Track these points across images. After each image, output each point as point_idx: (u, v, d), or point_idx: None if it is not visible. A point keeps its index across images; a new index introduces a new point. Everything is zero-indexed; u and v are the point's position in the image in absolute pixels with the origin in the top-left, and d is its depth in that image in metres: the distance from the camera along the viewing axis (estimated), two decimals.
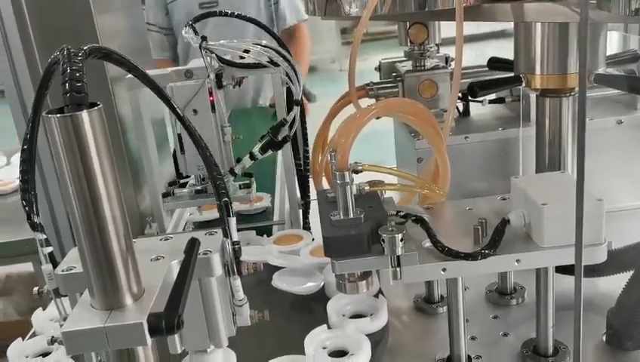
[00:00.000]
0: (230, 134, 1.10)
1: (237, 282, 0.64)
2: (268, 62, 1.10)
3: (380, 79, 1.40)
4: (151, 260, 0.61)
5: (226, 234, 0.63)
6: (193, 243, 0.57)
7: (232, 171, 1.13)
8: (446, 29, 1.19)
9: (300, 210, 1.27)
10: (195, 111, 1.05)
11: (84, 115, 0.48)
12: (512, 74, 1.07)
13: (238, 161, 1.13)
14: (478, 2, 1.03)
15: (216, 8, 2.47)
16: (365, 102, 1.23)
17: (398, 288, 1.05)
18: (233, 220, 0.63)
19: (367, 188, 0.84)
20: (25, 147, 0.61)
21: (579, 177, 0.54)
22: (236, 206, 1.21)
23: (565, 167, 1.09)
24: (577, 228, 0.56)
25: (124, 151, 1.25)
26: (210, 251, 0.62)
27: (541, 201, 0.77)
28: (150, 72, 1.19)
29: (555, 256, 0.78)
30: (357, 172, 0.90)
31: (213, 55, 1.04)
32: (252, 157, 1.10)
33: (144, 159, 1.18)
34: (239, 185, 1.14)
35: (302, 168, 1.24)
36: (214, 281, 0.63)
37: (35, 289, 0.65)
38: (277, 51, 1.10)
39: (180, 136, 1.05)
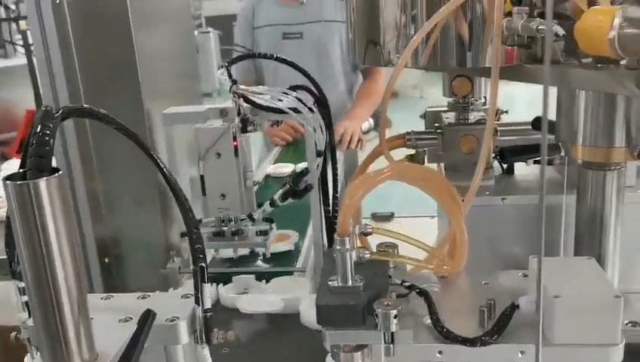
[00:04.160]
0: (252, 179, 1.10)
1: (205, 351, 0.63)
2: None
3: (425, 128, 1.35)
4: (119, 321, 0.60)
5: (198, 301, 0.62)
6: (147, 316, 0.56)
7: (250, 216, 1.12)
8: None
9: None
10: (218, 154, 1.05)
11: (42, 182, 0.48)
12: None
13: (260, 206, 1.12)
14: (520, 62, 0.97)
15: (300, 40, 2.51)
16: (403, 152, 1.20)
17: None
18: (207, 286, 0.62)
19: (368, 256, 0.80)
20: None
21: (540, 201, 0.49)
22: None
23: (606, 246, 1.00)
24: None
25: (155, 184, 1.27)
26: (178, 318, 0.60)
27: (555, 292, 0.71)
28: (186, 108, 1.22)
29: (565, 354, 0.71)
30: (366, 234, 0.87)
31: (241, 100, 1.04)
32: (272, 203, 1.10)
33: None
34: (256, 231, 1.13)
35: (330, 214, 1.21)
36: (180, 349, 0.61)
37: (13, 334, 0.66)
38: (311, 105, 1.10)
39: (202, 178, 1.05)
